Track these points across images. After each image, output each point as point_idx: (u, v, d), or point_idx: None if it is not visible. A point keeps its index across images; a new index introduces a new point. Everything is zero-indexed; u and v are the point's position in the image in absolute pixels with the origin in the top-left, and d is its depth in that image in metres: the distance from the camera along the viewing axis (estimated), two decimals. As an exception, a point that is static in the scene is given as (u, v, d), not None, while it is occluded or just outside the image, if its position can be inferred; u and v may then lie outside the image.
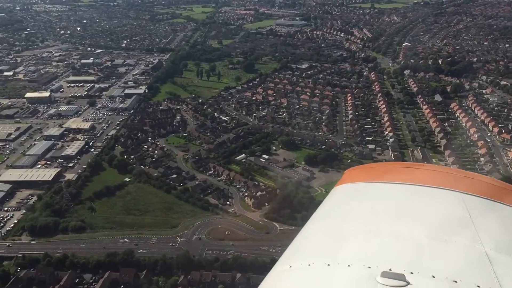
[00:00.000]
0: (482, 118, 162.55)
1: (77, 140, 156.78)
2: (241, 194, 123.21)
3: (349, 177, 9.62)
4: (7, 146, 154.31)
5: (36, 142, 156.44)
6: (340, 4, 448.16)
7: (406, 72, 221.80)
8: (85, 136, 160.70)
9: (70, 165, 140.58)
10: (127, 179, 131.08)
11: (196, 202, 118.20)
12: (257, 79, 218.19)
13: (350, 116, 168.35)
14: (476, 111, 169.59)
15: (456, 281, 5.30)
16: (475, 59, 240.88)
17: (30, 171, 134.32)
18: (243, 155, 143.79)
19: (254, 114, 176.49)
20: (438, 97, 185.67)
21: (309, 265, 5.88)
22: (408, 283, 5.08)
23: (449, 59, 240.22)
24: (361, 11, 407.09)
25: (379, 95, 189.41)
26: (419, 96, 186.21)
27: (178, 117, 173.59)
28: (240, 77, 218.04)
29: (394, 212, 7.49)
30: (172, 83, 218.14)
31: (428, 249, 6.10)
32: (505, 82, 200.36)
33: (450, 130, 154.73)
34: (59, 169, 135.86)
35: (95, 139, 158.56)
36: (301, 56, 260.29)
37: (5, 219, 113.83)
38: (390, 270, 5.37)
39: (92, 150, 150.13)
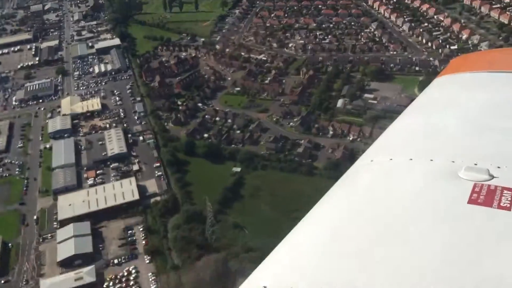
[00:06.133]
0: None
1: (104, 130, 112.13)
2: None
3: (454, 67, 8.73)
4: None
5: (43, 147, 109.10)
6: None
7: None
8: (106, 122, 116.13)
9: (135, 168, 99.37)
10: (236, 169, 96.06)
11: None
12: (244, 0, 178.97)
13: (406, 25, 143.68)
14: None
15: None
16: None
17: (98, 190, 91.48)
18: (341, 100, 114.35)
19: (290, 45, 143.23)
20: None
21: (390, 159, 5.48)
22: (493, 177, 4.56)
23: None
24: None
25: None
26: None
27: (208, 68, 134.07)
28: (226, 1, 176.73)
29: (497, 103, 6.68)
30: (140, 24, 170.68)
31: None
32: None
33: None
34: (131, 178, 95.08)
35: (125, 123, 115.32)
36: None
37: (131, 278, 75.14)
38: (476, 164, 4.82)
39: (141, 139, 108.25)
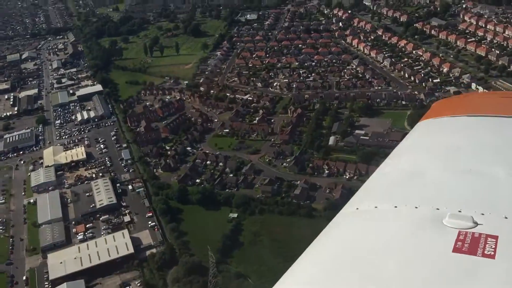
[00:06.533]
0: (508, 33, 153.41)
1: (91, 180, 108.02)
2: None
3: (435, 111, 8.90)
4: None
5: (26, 201, 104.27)
6: None
7: (367, 1, 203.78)
8: (92, 171, 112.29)
9: (126, 219, 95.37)
10: (233, 215, 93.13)
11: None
12: (224, 42, 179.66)
13: (387, 61, 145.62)
14: (490, 27, 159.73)
15: None
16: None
17: (90, 245, 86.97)
18: (332, 137, 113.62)
19: (275, 84, 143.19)
20: (437, 21, 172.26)
21: (376, 207, 5.51)
22: (477, 224, 4.62)
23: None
24: None
25: (380, 31, 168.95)
26: (420, 23, 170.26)
27: (194, 110, 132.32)
28: (207, 44, 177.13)
29: (476, 148, 6.82)
30: (121, 69, 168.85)
31: (506, 188, 5.49)
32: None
33: (498, 53, 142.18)
34: (123, 230, 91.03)
35: (112, 171, 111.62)
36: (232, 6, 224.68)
37: None
38: (460, 211, 4.90)
39: (130, 188, 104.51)
